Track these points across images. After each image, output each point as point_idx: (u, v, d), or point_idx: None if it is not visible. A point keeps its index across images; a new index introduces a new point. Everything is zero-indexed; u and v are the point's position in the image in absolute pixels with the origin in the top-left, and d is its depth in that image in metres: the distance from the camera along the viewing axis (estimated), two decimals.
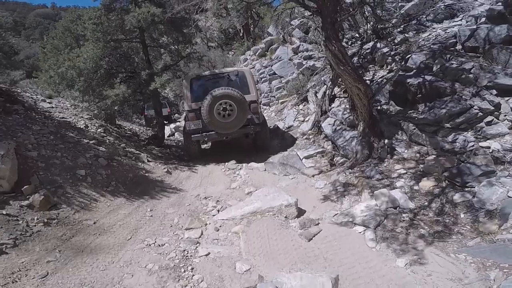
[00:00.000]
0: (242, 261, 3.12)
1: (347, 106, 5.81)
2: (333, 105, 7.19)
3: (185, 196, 5.31)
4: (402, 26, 7.92)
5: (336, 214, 3.76)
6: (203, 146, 8.30)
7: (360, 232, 3.41)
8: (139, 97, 7.27)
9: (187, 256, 3.36)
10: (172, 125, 10.64)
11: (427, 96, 4.88)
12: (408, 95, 5.16)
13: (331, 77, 7.16)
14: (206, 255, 3.32)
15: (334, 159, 5.53)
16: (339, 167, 5.04)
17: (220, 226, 3.84)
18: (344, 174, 4.62)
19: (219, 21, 21.76)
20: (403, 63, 6.10)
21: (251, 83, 6.37)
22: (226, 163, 6.61)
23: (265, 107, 11.45)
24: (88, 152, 5.77)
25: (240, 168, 6.11)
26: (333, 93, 7.30)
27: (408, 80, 5.15)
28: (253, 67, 12.57)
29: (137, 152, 6.78)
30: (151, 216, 4.51)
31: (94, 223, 4.17)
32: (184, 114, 7.12)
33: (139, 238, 3.85)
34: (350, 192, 4.16)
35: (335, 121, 5.95)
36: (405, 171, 4.10)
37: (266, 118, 10.24)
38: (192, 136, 6.19)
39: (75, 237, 3.78)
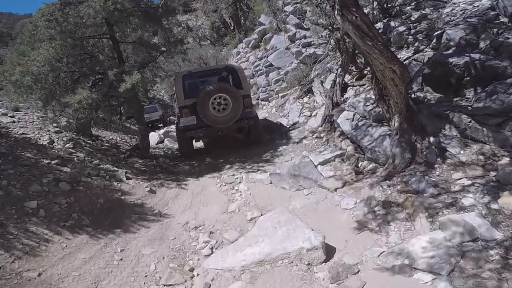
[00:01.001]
0: None
1: (369, 96, 4.62)
2: (346, 95, 6.00)
3: (170, 225, 4.13)
4: (414, 3, 6.89)
5: (382, 253, 2.57)
6: (196, 146, 7.35)
7: (426, 283, 2.23)
8: (114, 102, 6.02)
9: None
10: (162, 131, 9.37)
11: (479, 79, 3.75)
12: (451, 79, 3.98)
13: (340, 63, 5.95)
14: None
15: (360, 165, 4.34)
16: (369, 176, 3.85)
17: (212, 280, 2.65)
18: (380, 187, 3.41)
19: (209, 18, 20.79)
20: (434, 41, 4.92)
21: (242, 78, 6.34)
22: (223, 175, 5.41)
23: (264, 102, 10.26)
24: (46, 176, 4.56)
25: (240, 182, 4.91)
26: (343, 82, 6.10)
27: (451, 60, 3.98)
28: (247, 60, 11.38)
29: (114, 168, 5.56)
30: (121, 260, 3.33)
31: (39, 275, 3.03)
32: (177, 112, 6.60)
33: None
34: (395, 216, 2.96)
35: (354, 115, 4.74)
36: (470, 182, 2.91)
37: (266, 114, 9.34)
38: (187, 132, 6.10)
39: None
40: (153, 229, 4.03)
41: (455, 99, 3.84)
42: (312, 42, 9.20)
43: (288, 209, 3.72)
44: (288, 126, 7.40)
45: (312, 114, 7.01)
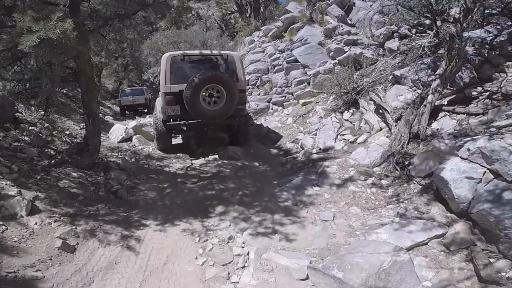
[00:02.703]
0: None
1: None
2: (434, 125, 3.64)
3: None
4: None
5: None
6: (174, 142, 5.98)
7: None
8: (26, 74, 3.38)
9: None
10: (132, 123, 6.67)
11: None
12: None
13: (442, 72, 3.55)
14: None
15: (492, 265, 1.97)
16: None
17: None
18: None
19: (220, 10, 19.20)
20: None
21: (240, 69, 5.55)
22: (209, 234, 2.95)
23: (276, 107, 7.83)
24: None
25: (244, 264, 2.45)
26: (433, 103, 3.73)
27: None
28: (263, 51, 8.94)
29: (11, 191, 2.98)
30: None
31: None
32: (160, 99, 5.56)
33: None
34: None
35: (485, 173, 2.37)
36: None
37: (279, 124, 7.01)
38: (167, 123, 5.28)
39: None
40: None
41: None
42: (359, 41, 6.85)
43: None
44: (314, 151, 5.00)
45: (358, 140, 4.63)
